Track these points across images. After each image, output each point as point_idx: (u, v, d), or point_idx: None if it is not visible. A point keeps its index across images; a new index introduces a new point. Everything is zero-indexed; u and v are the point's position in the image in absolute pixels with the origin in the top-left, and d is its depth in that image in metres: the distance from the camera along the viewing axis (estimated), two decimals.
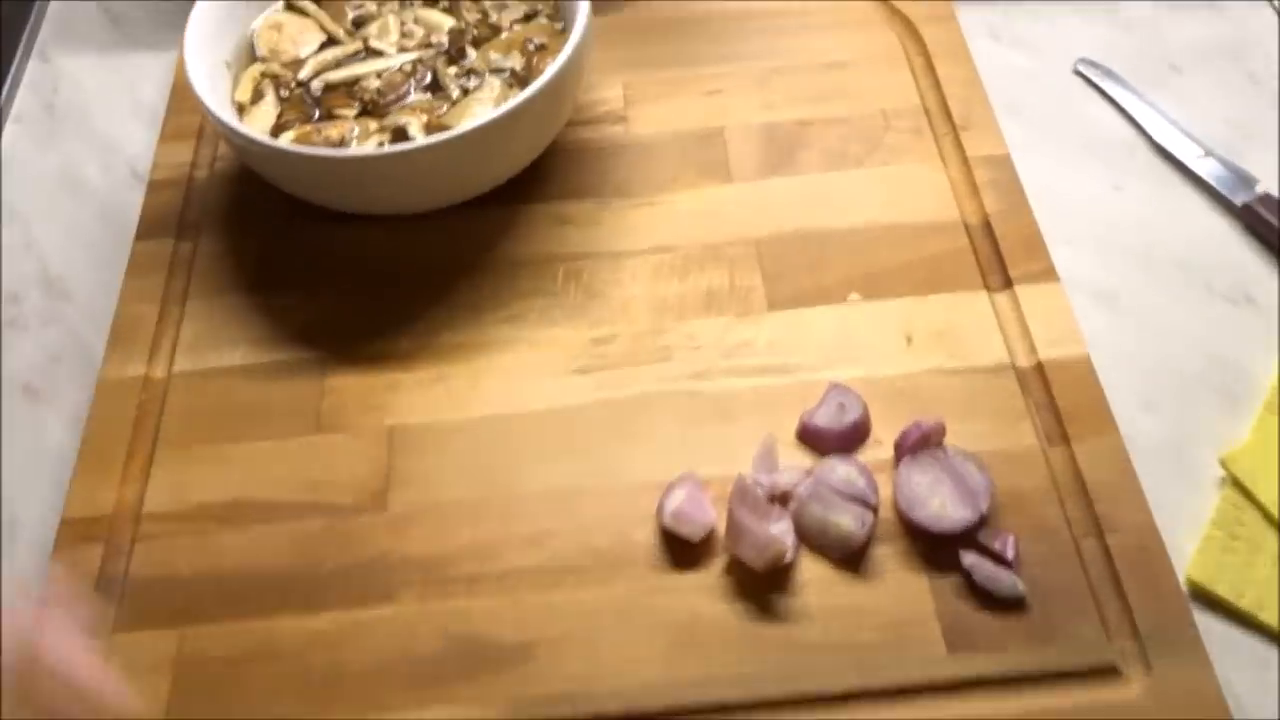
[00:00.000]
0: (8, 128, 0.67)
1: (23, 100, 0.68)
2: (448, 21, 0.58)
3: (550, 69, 0.52)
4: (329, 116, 0.55)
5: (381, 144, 0.53)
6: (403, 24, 0.58)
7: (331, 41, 0.58)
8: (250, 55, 0.58)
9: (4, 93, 0.68)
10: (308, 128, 0.54)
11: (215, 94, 0.55)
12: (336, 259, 0.56)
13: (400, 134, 0.53)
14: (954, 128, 0.58)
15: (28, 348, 0.57)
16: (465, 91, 0.55)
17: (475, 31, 0.57)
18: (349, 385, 0.51)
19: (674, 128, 0.60)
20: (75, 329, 0.57)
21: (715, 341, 0.51)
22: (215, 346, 0.53)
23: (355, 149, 0.51)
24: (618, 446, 0.48)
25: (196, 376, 0.52)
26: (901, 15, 0.64)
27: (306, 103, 0.56)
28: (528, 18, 0.58)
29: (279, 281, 0.55)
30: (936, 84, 0.60)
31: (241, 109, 0.55)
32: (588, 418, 0.49)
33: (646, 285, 0.54)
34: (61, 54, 0.71)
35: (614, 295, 0.53)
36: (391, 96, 0.55)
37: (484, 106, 0.54)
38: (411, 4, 0.59)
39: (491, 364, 0.51)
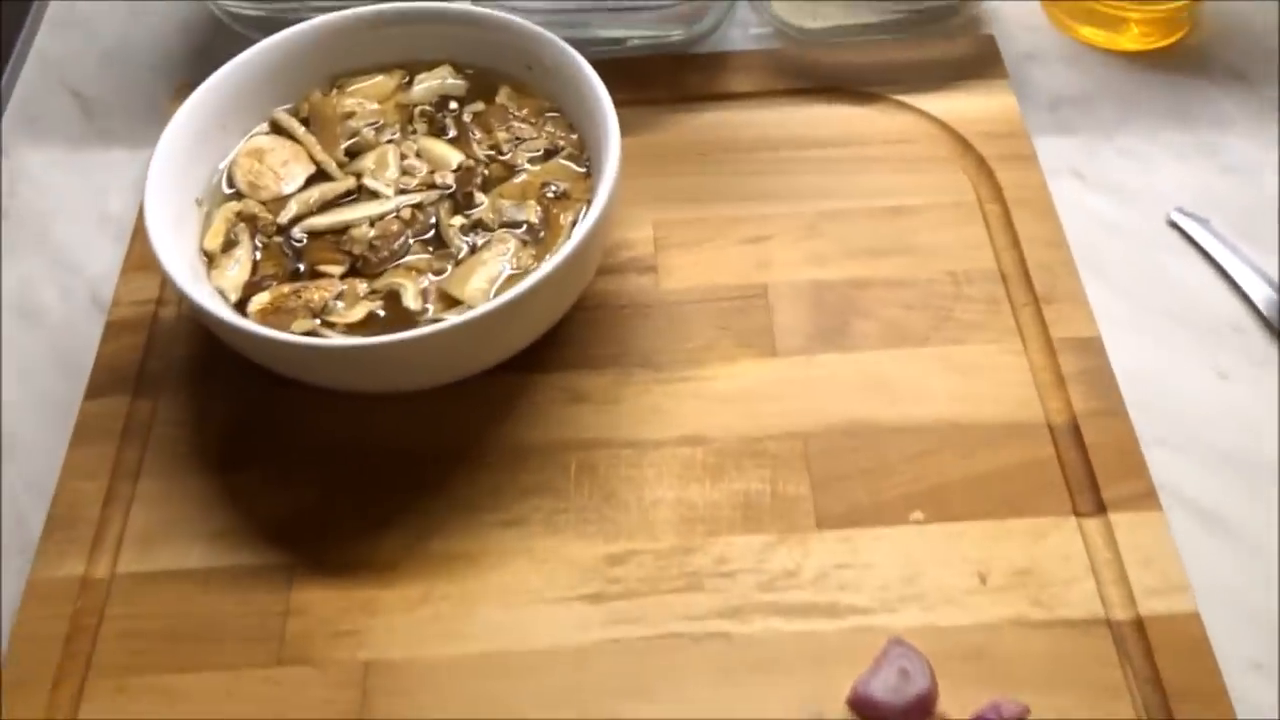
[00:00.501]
0: None
1: None
2: (455, 156, 0.50)
3: (576, 235, 0.44)
4: (312, 274, 0.47)
5: (371, 314, 0.46)
6: (403, 157, 0.51)
7: (321, 175, 0.51)
8: (225, 188, 0.50)
9: None
10: (285, 289, 0.46)
11: (180, 240, 0.47)
12: (314, 436, 0.48)
13: (393, 301, 0.46)
14: (1035, 298, 0.50)
15: None
16: (472, 249, 0.48)
17: (485, 171, 0.50)
18: (319, 602, 0.43)
19: (710, 281, 0.52)
20: (14, 498, 0.50)
21: (753, 568, 0.43)
22: (168, 540, 0.45)
23: (335, 340, 0.43)
24: (632, 704, 0.40)
25: (144, 580, 0.44)
26: (974, 152, 0.56)
27: (287, 254, 0.48)
28: (548, 155, 0.50)
29: (246, 460, 0.47)
30: (1015, 241, 0.52)
31: (211, 259, 0.48)
32: (598, 663, 0.41)
33: (672, 487, 0.46)
34: (23, 145, 0.64)
35: (633, 499, 0.46)
36: (385, 252, 0.47)
37: (492, 268, 0.46)
38: (414, 134, 0.52)
39: (487, 583, 0.44)
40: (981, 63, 0.60)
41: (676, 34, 0.61)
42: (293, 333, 0.44)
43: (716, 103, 0.59)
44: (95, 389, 0.50)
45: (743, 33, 0.64)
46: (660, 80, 0.60)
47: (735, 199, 0.55)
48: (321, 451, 0.47)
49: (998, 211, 0.54)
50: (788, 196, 0.55)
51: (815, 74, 0.60)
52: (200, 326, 0.51)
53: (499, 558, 0.44)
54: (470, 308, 0.45)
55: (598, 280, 0.52)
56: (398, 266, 0.47)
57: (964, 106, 0.58)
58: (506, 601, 0.43)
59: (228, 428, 0.48)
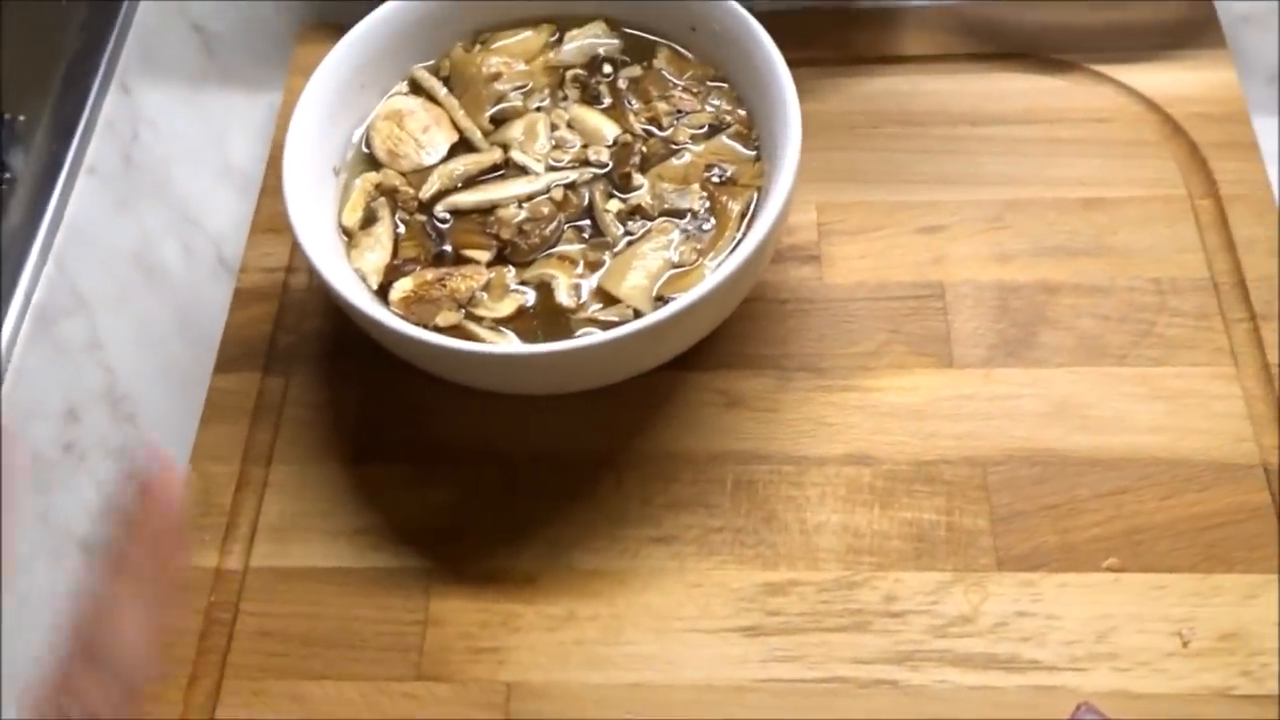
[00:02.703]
0: (81, 180, 0.57)
1: (99, 146, 0.58)
2: (611, 129, 0.46)
3: (755, 233, 0.39)
4: (457, 258, 0.44)
5: (521, 308, 0.42)
6: (554, 128, 0.46)
7: (465, 145, 0.47)
8: (364, 155, 0.47)
9: (79, 132, 0.59)
10: (429, 276, 0.43)
11: (318, 213, 0.44)
12: (453, 432, 0.45)
13: (544, 294, 0.42)
14: (1253, 315, 0.45)
15: (85, 486, 0.48)
16: (630, 239, 0.44)
17: (644, 148, 0.45)
18: (458, 613, 0.41)
19: (880, 277, 0.47)
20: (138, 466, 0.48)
21: (925, 609, 0.40)
22: (303, 533, 0.44)
23: (488, 348, 0.39)
24: None
25: (278, 576, 0.43)
26: (1185, 137, 0.49)
27: (430, 235, 0.44)
28: (712, 131, 0.46)
29: (382, 452, 0.45)
30: (1230, 245, 0.46)
31: (350, 236, 0.44)
32: (755, 704, 0.38)
33: (837, 511, 0.42)
34: (145, 85, 0.61)
35: (794, 521, 0.42)
36: (536, 238, 0.43)
37: (652, 262, 0.42)
38: (565, 100, 0.47)
39: (635, 605, 0.41)
40: (1195, 28, 0.53)
41: None
42: (437, 325, 0.41)
43: (887, 66, 0.54)
44: (225, 362, 0.48)
45: None
46: (823, 37, 0.54)
47: (908, 181, 0.50)
48: (460, 449, 0.45)
49: (1211, 209, 0.48)
50: (967, 181, 0.50)
51: (1000, 36, 0.54)
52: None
53: (648, 578, 0.41)
54: (629, 307, 0.41)
55: None
56: (549, 255, 0.43)
57: (1173, 81, 0.51)
58: (656, 627, 0.40)
59: (363, 415, 0.46)
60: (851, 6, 0.55)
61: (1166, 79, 0.51)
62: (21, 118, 0.58)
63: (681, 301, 0.38)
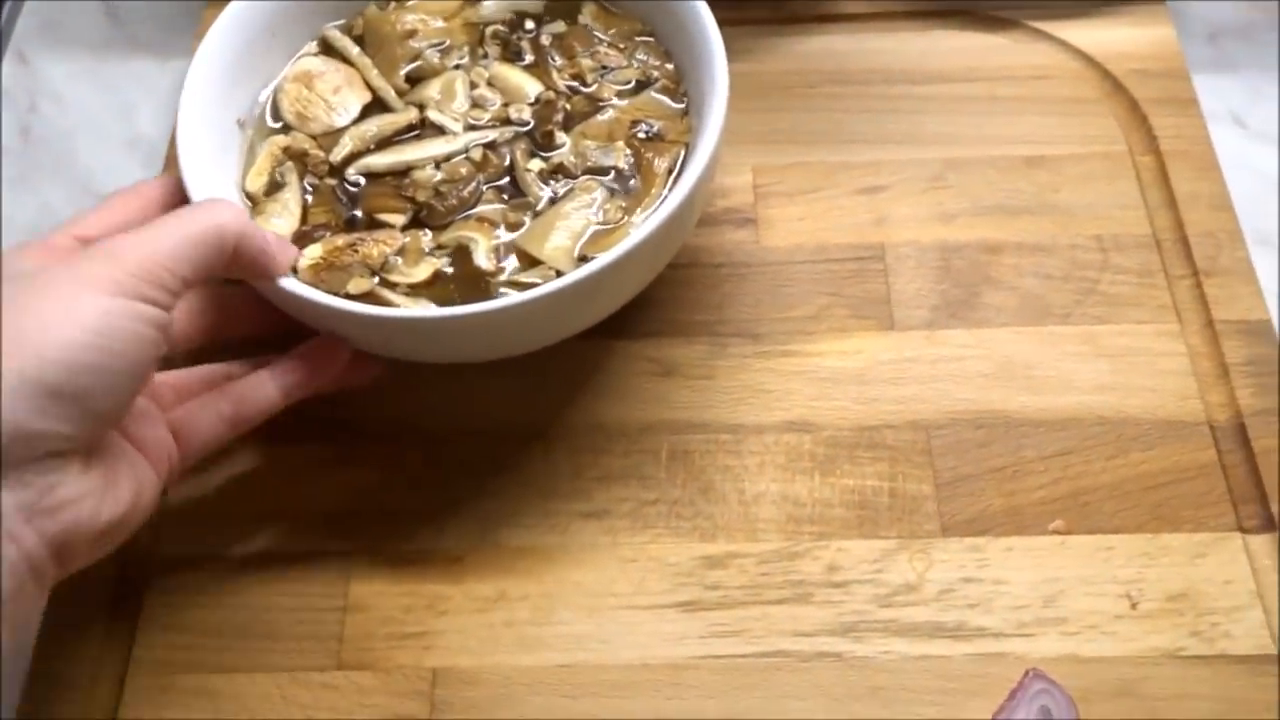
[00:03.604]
0: None
1: None
2: (533, 87, 0.44)
3: (680, 188, 0.38)
4: (370, 223, 0.41)
5: (438, 272, 0.40)
6: (473, 86, 0.44)
7: (379, 105, 0.44)
8: (271, 120, 0.44)
9: None
10: (339, 242, 0.40)
11: (219, 174, 0.41)
12: (373, 408, 0.43)
13: (463, 258, 0.40)
14: (1195, 271, 0.44)
15: None
16: (553, 199, 0.42)
17: (567, 106, 0.43)
18: (380, 598, 0.39)
19: (819, 240, 0.46)
20: None
21: (869, 578, 0.38)
22: (213, 518, 0.41)
23: (400, 312, 0.37)
24: None
25: (186, 564, 0.40)
26: (1125, 93, 0.48)
27: (341, 200, 0.42)
28: (639, 87, 0.44)
29: (300, 430, 0.42)
30: (1171, 201, 0.46)
31: (255, 203, 0.42)
32: (693, 682, 0.37)
33: (777, 480, 0.41)
34: (44, 54, 0.57)
35: (733, 492, 0.40)
36: (453, 200, 0.41)
37: (575, 221, 0.40)
38: (485, 58, 0.45)
39: (567, 583, 0.39)
40: None
41: None
42: (349, 293, 0.39)
43: (823, 25, 0.52)
44: None
45: None
46: None
47: (846, 141, 0.48)
48: (382, 427, 0.42)
49: (1151, 165, 0.47)
50: (907, 140, 0.48)
51: None
52: None
53: (580, 554, 0.39)
54: (551, 269, 0.39)
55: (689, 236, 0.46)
56: (468, 217, 0.41)
57: (1113, 38, 0.50)
58: (590, 605, 0.38)
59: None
60: None
61: (1106, 35, 0.50)
62: None
63: (602, 260, 0.36)
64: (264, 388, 0.38)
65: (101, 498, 0.32)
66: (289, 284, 0.37)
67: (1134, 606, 0.37)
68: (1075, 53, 0.50)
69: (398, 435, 0.42)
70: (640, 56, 0.44)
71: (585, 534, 0.40)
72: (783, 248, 0.46)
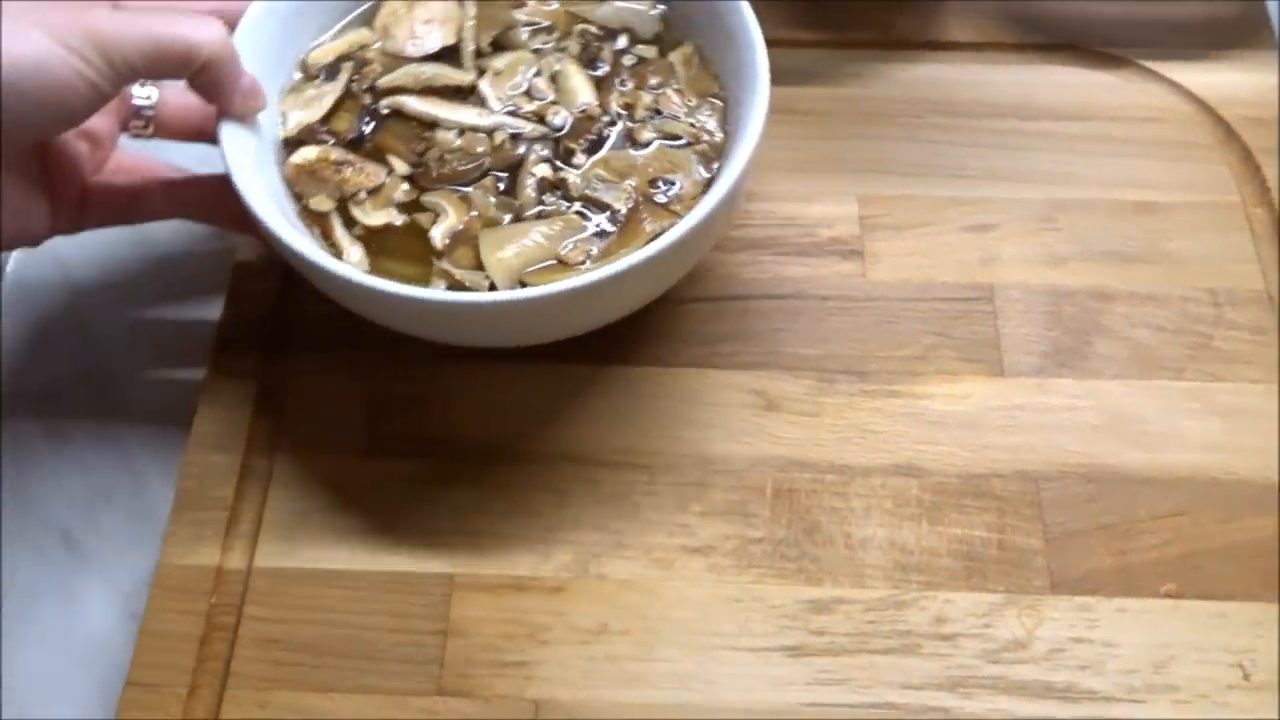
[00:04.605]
0: None
1: None
2: (586, 96, 0.43)
3: (645, 250, 0.36)
4: (371, 153, 0.42)
5: (388, 226, 0.41)
6: (536, 73, 0.43)
7: (452, 54, 0.44)
8: (366, 16, 0.45)
9: None
10: (332, 155, 0.41)
11: (286, 31, 0.43)
12: (473, 426, 0.42)
13: (417, 226, 0.40)
14: None
15: (71, 474, 0.45)
16: (538, 213, 0.41)
17: (607, 131, 0.42)
18: (481, 625, 0.38)
19: (926, 276, 0.45)
20: (127, 452, 0.45)
21: (977, 632, 0.38)
22: (311, 531, 0.40)
23: (342, 269, 0.37)
24: None
25: (284, 578, 0.39)
26: (1238, 141, 0.48)
27: (362, 120, 0.43)
28: (683, 145, 0.42)
29: (397, 445, 0.42)
30: None
31: (305, 75, 0.44)
32: None
33: (884, 525, 0.40)
34: None
35: (839, 534, 0.40)
36: (449, 169, 0.41)
37: (536, 247, 0.39)
38: (563, 51, 0.44)
39: (670, 620, 0.38)
40: (1247, 29, 0.51)
41: None
42: (307, 205, 0.41)
43: (931, 52, 0.51)
44: (223, 342, 0.44)
45: None
46: (865, 20, 0.52)
47: (954, 175, 0.48)
48: (481, 445, 0.42)
49: (1264, 218, 0.46)
50: (1016, 177, 0.47)
51: (1048, 26, 0.52)
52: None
53: (683, 590, 0.39)
54: (486, 277, 0.39)
55: (789, 261, 0.46)
56: (454, 191, 0.41)
57: (1226, 82, 0.49)
58: (693, 644, 0.38)
59: (374, 404, 0.43)
60: None
61: (1219, 79, 0.50)
62: None
63: (518, 294, 0.36)
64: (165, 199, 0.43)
65: None
66: (253, 199, 0.38)
67: (1246, 677, 0.37)
68: (1187, 95, 0.49)
69: (494, 455, 0.42)
70: (700, 117, 0.43)
71: (689, 570, 0.39)
72: (889, 283, 0.45)
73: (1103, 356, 0.43)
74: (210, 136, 0.41)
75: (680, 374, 0.43)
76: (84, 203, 0.41)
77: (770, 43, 0.49)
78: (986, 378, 0.43)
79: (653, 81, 0.43)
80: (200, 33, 0.37)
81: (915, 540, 0.40)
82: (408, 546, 0.40)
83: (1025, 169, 0.48)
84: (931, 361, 0.43)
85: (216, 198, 0.40)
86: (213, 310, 0.45)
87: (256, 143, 0.41)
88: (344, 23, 0.45)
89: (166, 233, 0.49)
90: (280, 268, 0.45)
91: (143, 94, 0.42)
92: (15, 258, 0.49)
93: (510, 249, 0.40)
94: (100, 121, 0.41)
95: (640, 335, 0.44)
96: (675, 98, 0.43)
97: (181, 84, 0.39)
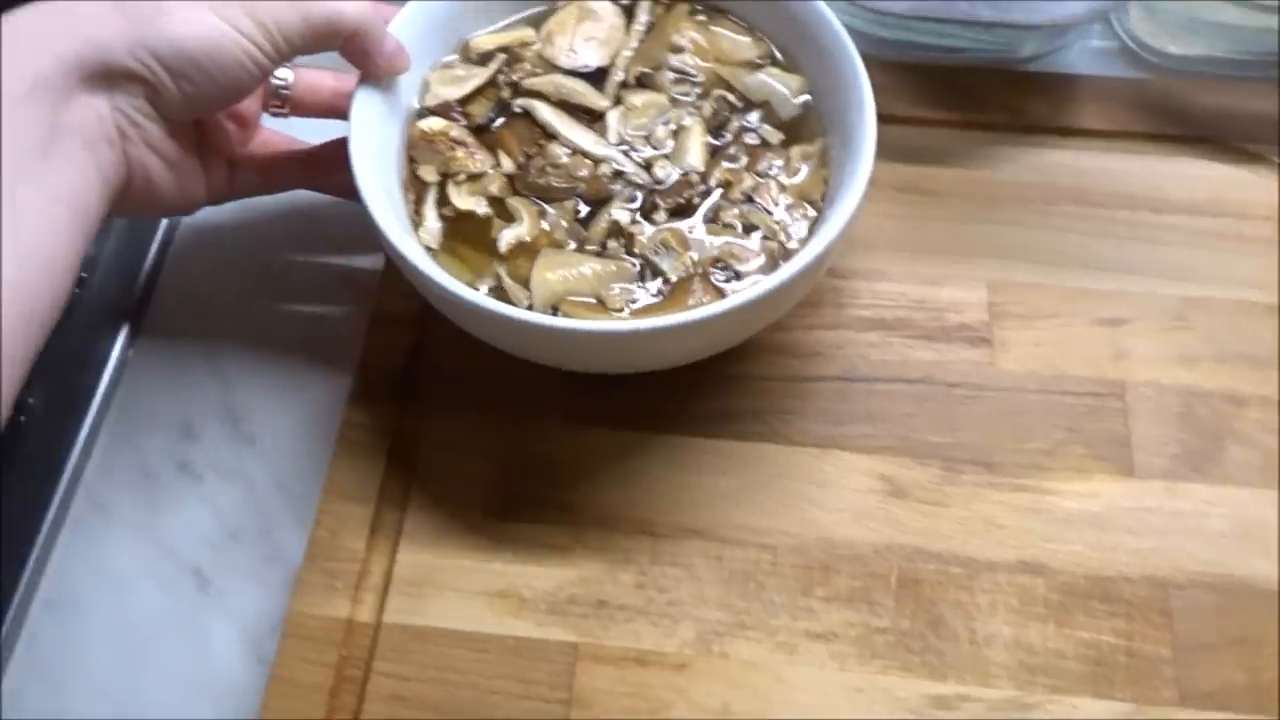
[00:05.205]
0: None
1: None
2: (696, 160, 0.43)
3: (656, 319, 0.37)
4: (490, 145, 0.44)
5: (470, 213, 0.43)
6: (665, 120, 0.44)
7: (600, 76, 0.46)
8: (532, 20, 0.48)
9: None
10: (453, 133, 0.44)
11: (454, 19, 0.46)
12: (601, 495, 0.43)
13: (487, 222, 0.43)
14: None
15: (203, 511, 0.46)
16: (598, 251, 0.42)
17: (698, 199, 0.42)
18: (605, 697, 0.39)
19: (1056, 368, 0.45)
20: (258, 493, 0.46)
21: None
22: (439, 590, 0.41)
23: (415, 258, 0.39)
24: None
25: (412, 635, 0.40)
26: None
27: (493, 110, 0.45)
28: (761, 235, 0.42)
29: (528, 507, 0.42)
30: None
31: (465, 56, 0.46)
32: None
33: (1009, 623, 0.40)
34: None
35: (963, 629, 0.40)
36: (544, 182, 0.43)
37: (582, 279, 0.41)
38: (695, 111, 0.44)
39: (794, 705, 0.38)
40: None
41: (1027, 48, 0.52)
42: (415, 172, 0.44)
43: (1063, 138, 0.51)
44: (360, 392, 0.45)
45: (1084, 47, 0.55)
46: (997, 100, 0.52)
47: (1086, 266, 0.47)
48: (610, 514, 0.42)
49: None
50: (1149, 271, 0.47)
51: (1184, 118, 0.51)
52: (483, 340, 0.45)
53: (806, 676, 0.39)
54: (526, 293, 0.41)
55: (922, 349, 0.46)
56: (537, 203, 0.43)
57: None
58: None
59: (508, 464, 0.43)
60: (1025, 70, 0.53)
61: None
62: None
63: (537, 316, 0.38)
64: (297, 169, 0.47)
65: (165, 169, 0.40)
66: (383, 224, 0.40)
67: None
68: None
69: (622, 525, 0.42)
70: (789, 218, 0.42)
71: (812, 655, 0.40)
72: (1018, 373, 0.45)
73: (1235, 462, 0.43)
74: (339, 113, 0.44)
75: (807, 453, 0.43)
76: (231, 176, 0.45)
77: (899, 120, 0.50)
78: (1116, 477, 0.43)
79: (763, 166, 0.44)
80: (347, 6, 0.41)
81: (1041, 641, 0.40)
82: (533, 612, 0.41)
83: (1158, 263, 0.47)
84: (1060, 456, 0.43)
85: (338, 164, 0.42)
86: (348, 359, 0.47)
87: (386, 109, 0.43)
88: (513, 19, 0.47)
89: (303, 278, 0.50)
90: (418, 320, 0.47)
91: (281, 75, 0.45)
92: (155, 301, 0.50)
93: (559, 273, 0.41)
94: (248, 103, 0.45)
95: (768, 411, 0.44)
96: (774, 191, 0.43)
97: (311, 65, 0.44)
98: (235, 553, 0.44)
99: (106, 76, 0.37)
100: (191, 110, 0.40)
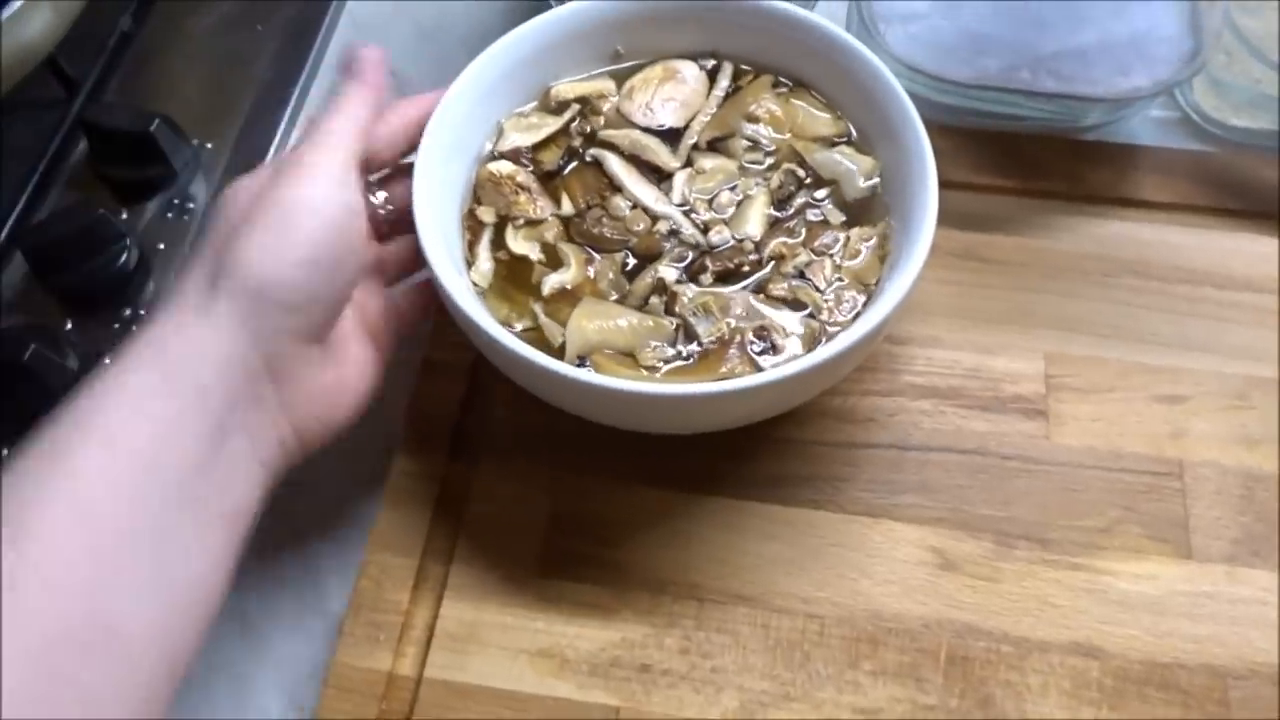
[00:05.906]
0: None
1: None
2: (755, 230, 0.43)
3: (688, 387, 0.38)
4: (555, 189, 0.45)
5: (523, 258, 0.43)
6: (732, 187, 0.44)
7: (675, 135, 0.46)
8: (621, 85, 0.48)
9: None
10: (519, 176, 0.45)
11: (540, 65, 0.47)
12: (651, 555, 0.42)
13: (532, 264, 0.43)
14: None
15: (251, 557, 0.45)
16: (640, 305, 0.42)
17: (748, 266, 0.42)
18: None
19: (1113, 445, 0.44)
20: (306, 541, 0.46)
21: None
22: (481, 646, 0.41)
23: (497, 336, 0.39)
24: None
25: (453, 692, 0.40)
26: None
27: (566, 156, 0.46)
28: (805, 313, 0.41)
29: (573, 566, 0.42)
30: None
31: (542, 104, 0.47)
32: None
33: (1061, 706, 0.39)
34: None
35: (1013, 711, 0.39)
36: (597, 231, 0.44)
37: (618, 333, 0.41)
38: (763, 182, 0.44)
39: None
40: None
41: (1090, 118, 0.52)
42: (474, 211, 0.45)
43: (1123, 209, 0.50)
44: (410, 442, 0.45)
45: (1146, 117, 0.55)
46: (1058, 169, 0.51)
47: (1145, 341, 0.47)
48: (656, 576, 0.42)
49: None
50: (1210, 349, 0.46)
51: (1247, 192, 0.51)
52: (525, 389, 0.44)
53: None
54: (562, 337, 0.41)
55: (976, 419, 0.45)
56: (587, 249, 0.44)
57: None
58: None
59: (553, 522, 0.43)
60: (1087, 139, 0.53)
61: None
62: (209, 145, 0.57)
63: (560, 363, 0.38)
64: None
65: (338, 380, 0.38)
66: (452, 289, 0.40)
67: None
68: None
69: (668, 587, 0.42)
70: (839, 298, 0.42)
71: None
72: (1075, 448, 0.44)
73: None
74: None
75: (857, 522, 0.43)
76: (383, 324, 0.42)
77: (959, 185, 0.50)
78: (1174, 559, 0.42)
79: (820, 244, 0.43)
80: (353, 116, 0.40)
81: None
82: (575, 673, 0.40)
83: (1219, 340, 0.47)
84: (1116, 535, 0.42)
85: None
86: (398, 406, 0.47)
87: (454, 149, 0.44)
88: (598, 71, 0.48)
89: None
90: (470, 371, 0.47)
91: (378, 199, 0.42)
92: None
93: (595, 323, 0.41)
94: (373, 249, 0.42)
95: (819, 477, 0.44)
96: (828, 270, 0.43)
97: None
98: (282, 600, 0.45)
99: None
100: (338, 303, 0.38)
